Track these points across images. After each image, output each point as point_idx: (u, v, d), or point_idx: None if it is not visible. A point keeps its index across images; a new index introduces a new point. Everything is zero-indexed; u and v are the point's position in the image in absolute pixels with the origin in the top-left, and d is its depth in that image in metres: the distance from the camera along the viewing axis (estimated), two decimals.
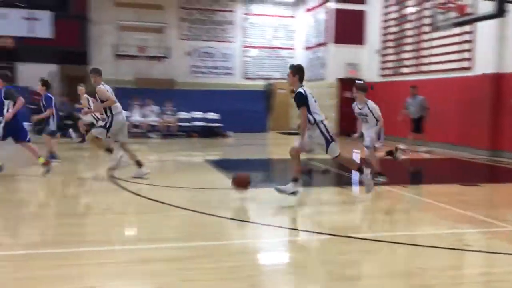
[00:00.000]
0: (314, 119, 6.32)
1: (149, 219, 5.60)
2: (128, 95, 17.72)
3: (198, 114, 18.22)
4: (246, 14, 21.37)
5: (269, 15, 21.56)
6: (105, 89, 8.05)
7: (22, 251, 4.28)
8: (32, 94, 18.41)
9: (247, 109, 18.40)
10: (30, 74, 18.93)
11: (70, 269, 3.86)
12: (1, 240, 4.71)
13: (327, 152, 6.47)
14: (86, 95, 13.55)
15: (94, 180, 8.33)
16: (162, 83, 20.00)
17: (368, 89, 8.19)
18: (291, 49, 21.83)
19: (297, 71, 6.43)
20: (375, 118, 7.81)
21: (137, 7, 19.82)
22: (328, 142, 6.38)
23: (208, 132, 17.58)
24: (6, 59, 18.93)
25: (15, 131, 8.19)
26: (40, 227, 5.21)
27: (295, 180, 6.33)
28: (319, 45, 19.67)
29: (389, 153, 8.61)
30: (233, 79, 21.04)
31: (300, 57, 21.43)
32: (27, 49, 18.21)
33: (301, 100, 6.28)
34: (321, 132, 6.36)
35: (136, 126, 16.86)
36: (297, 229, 5.61)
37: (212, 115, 18.12)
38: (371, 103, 7.85)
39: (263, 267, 4.26)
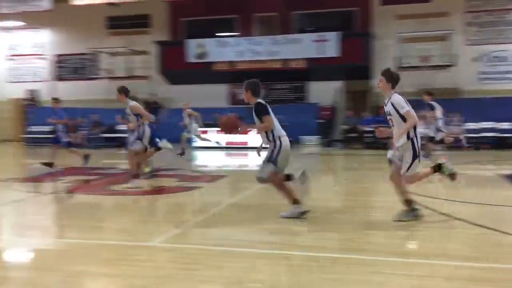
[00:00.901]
0: (273, 134, 5.94)
1: (444, 235, 5.42)
2: (412, 106, 17.57)
3: (488, 125, 16.78)
4: None
5: None
6: (137, 105, 8.56)
7: (326, 254, 4.65)
8: (321, 110, 20.14)
9: None
10: (319, 91, 20.76)
11: (369, 275, 4.03)
12: (308, 242, 5.23)
13: (260, 170, 5.99)
14: (189, 110, 13.99)
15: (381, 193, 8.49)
16: (446, 93, 19.11)
17: (399, 78, 5.81)
18: None
19: (249, 87, 6.09)
20: (399, 116, 5.61)
21: (419, 17, 19.51)
22: (270, 162, 5.92)
23: (501, 144, 16.04)
24: (299, 79, 21.18)
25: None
26: (338, 234, 5.59)
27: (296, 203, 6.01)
28: None
29: (437, 168, 5.90)
30: None
31: None
32: (316, 68, 19.93)
33: (262, 109, 5.95)
34: (274, 148, 5.92)
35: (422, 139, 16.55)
36: None
37: (506, 125, 16.44)
38: (395, 97, 5.68)
39: None
